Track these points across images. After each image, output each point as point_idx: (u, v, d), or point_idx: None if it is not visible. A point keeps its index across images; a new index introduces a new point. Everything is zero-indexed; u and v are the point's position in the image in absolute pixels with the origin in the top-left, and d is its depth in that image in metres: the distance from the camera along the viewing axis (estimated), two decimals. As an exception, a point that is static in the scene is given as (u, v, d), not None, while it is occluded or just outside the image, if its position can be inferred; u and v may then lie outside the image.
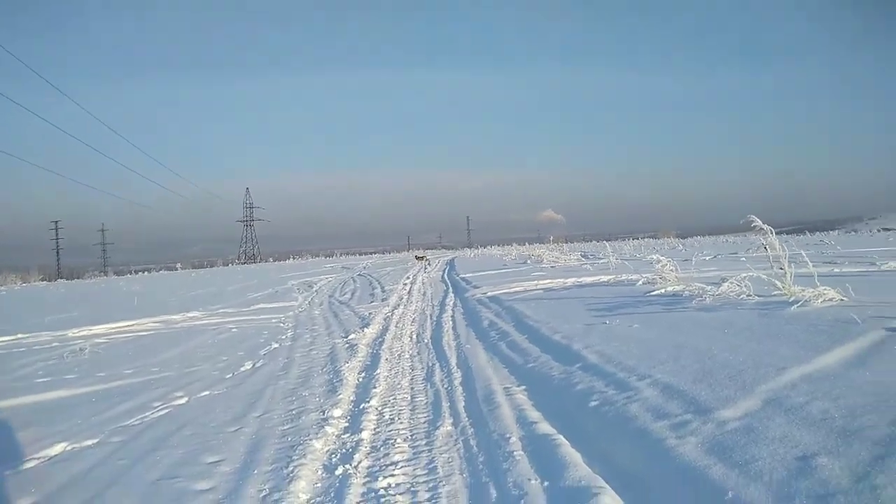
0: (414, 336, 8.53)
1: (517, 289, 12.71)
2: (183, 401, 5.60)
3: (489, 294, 12.32)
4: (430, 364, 6.49)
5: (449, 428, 4.22)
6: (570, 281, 13.02)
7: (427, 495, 3.19)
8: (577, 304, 8.85)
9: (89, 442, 4.45)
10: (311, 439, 4.15)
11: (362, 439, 4.13)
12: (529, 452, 3.54)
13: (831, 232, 53.99)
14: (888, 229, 61.71)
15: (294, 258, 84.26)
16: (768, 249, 10.65)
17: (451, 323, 9.38)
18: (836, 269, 11.45)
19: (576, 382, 4.69)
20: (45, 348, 9.47)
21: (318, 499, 3.30)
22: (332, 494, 3.32)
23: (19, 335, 11.26)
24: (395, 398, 5.19)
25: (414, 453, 3.80)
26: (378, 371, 6.18)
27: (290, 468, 3.62)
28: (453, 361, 6.45)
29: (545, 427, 3.91)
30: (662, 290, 8.91)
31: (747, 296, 7.18)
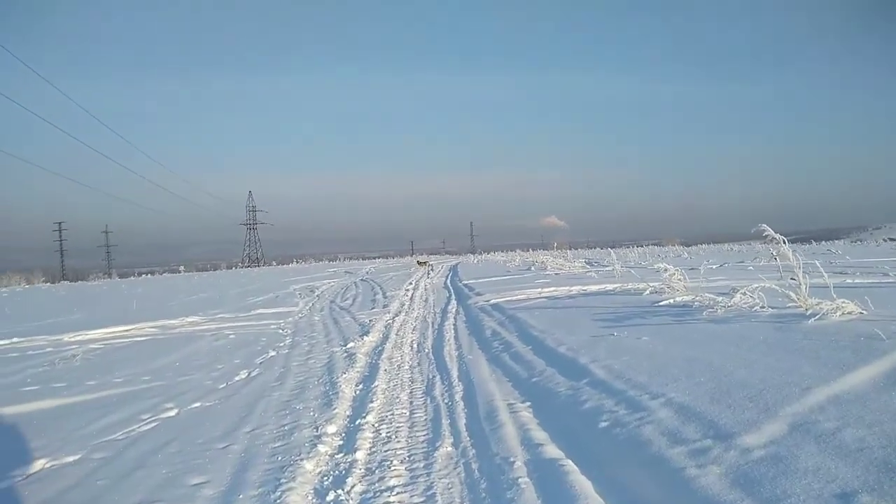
0: (414, 345, 8.28)
1: (521, 296, 12.46)
2: (173, 413, 5.37)
3: (492, 301, 12.07)
4: (431, 376, 6.24)
5: (449, 449, 3.97)
6: (575, 289, 12.75)
7: (424, 526, 2.94)
8: (582, 314, 8.59)
9: (70, 458, 4.22)
10: (302, 459, 3.91)
11: (357, 460, 3.88)
12: (535, 479, 3.28)
13: (837, 241, 53.53)
14: (894, 239, 61.20)
15: (297, 262, 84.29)
16: (778, 259, 10.44)
17: (452, 332, 9.13)
18: (849, 280, 11.18)
19: (583, 400, 4.44)
20: (38, 353, 9.26)
21: (307, 528, 3.05)
22: (321, 523, 3.07)
23: (14, 339, 11.08)
24: (392, 413, 4.93)
25: (411, 477, 3.55)
26: (376, 383, 5.94)
27: (278, 493, 3.37)
28: (454, 373, 6.20)
29: (552, 450, 3.66)
30: (671, 301, 8.65)
31: (761, 307, 6.91)
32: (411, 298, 15.72)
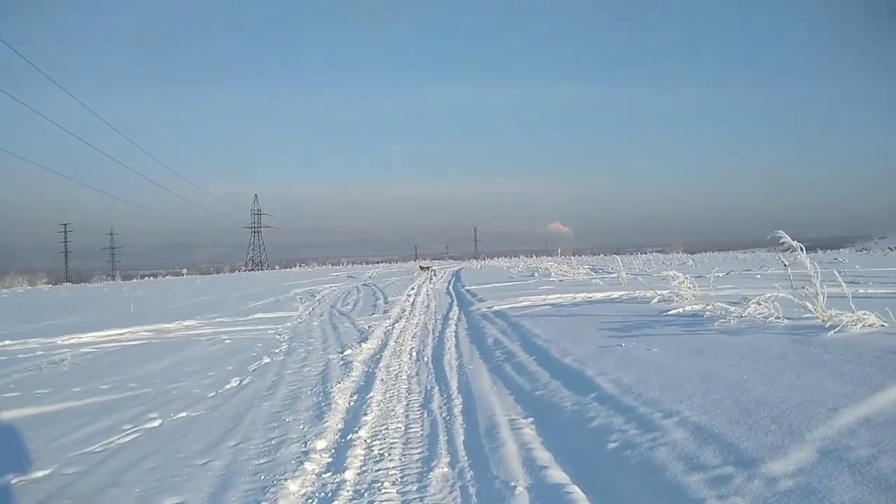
0: (413, 353, 7.99)
1: (524, 303, 12.16)
2: (156, 423, 5.10)
3: (495, 308, 11.77)
4: (429, 387, 5.95)
5: (445, 470, 3.67)
6: (580, 296, 12.45)
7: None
8: (588, 323, 8.29)
9: (40, 473, 3.95)
10: (286, 479, 3.62)
11: (345, 481, 3.59)
12: (538, 508, 2.99)
13: (842, 250, 52.87)
14: (898, 248, 60.46)
15: (300, 266, 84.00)
16: (790, 268, 10.12)
17: (453, 339, 8.84)
18: (862, 290, 10.84)
19: (591, 417, 4.14)
20: (28, 357, 9.00)
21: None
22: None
23: (7, 342, 10.82)
24: (386, 428, 4.64)
25: (403, 502, 3.26)
26: (371, 394, 5.65)
27: (257, 518, 3.09)
28: (454, 385, 5.91)
29: (557, 474, 3.35)
30: (680, 310, 8.34)
31: (776, 318, 6.59)
32: (412, 304, 15.43)
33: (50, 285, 54.29)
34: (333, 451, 4.20)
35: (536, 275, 22.99)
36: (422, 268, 43.09)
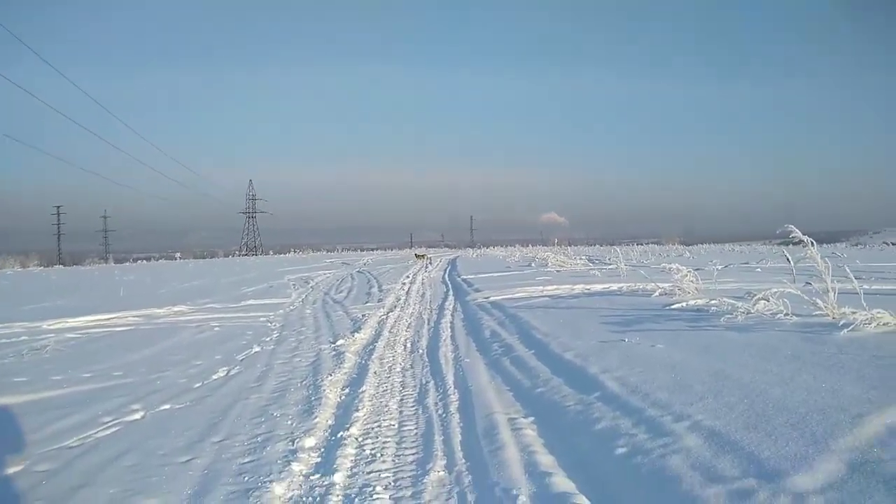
0: (408, 345, 7.74)
1: (521, 294, 11.93)
2: (137, 416, 4.85)
3: (491, 299, 11.54)
4: (424, 381, 5.70)
5: (441, 474, 3.43)
6: (578, 288, 12.21)
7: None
8: (588, 316, 8.06)
9: (9, 471, 3.70)
10: (272, 481, 3.38)
11: (334, 484, 3.35)
12: (543, 520, 2.75)
13: (837, 244, 52.71)
14: (894, 244, 60.41)
15: (295, 252, 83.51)
16: (791, 261, 9.90)
17: (449, 331, 8.59)
18: (867, 286, 10.63)
19: (596, 418, 3.91)
20: (10, 343, 8.73)
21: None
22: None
23: (-9, 325, 10.53)
24: (379, 426, 4.40)
25: (395, 510, 3.03)
26: (364, 388, 5.41)
27: (238, 526, 2.85)
28: (450, 379, 5.67)
29: (562, 482, 3.11)
30: (684, 304, 8.12)
31: (785, 315, 6.37)
32: (407, 293, 15.18)
33: (41, 268, 53.77)
34: (322, 450, 3.96)
35: (533, 265, 22.76)
36: (417, 256, 42.82)
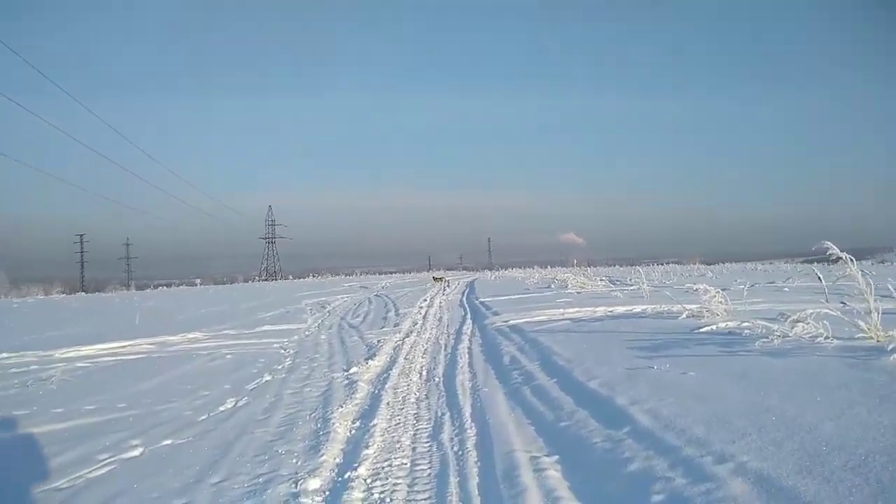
0: (423, 372, 7.41)
1: (541, 317, 11.54)
2: (136, 452, 4.60)
3: (510, 322, 11.17)
4: (440, 414, 5.36)
5: (456, 524, 3.10)
6: (601, 310, 11.80)
7: None
8: (612, 340, 7.67)
9: (-10, 517, 3.44)
10: (269, 531, 3.07)
11: (338, 535, 3.03)
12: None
13: (863, 262, 51.39)
14: (922, 261, 58.71)
15: (314, 276, 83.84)
16: (822, 280, 9.44)
17: (467, 357, 8.25)
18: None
19: (627, 458, 3.54)
20: (19, 372, 8.57)
21: None
22: None
23: (4, 354, 10.41)
24: (390, 465, 4.06)
25: (404, 568, 2.69)
26: (375, 421, 5.08)
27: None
28: (467, 411, 5.33)
29: (592, 536, 2.76)
30: (713, 327, 7.69)
31: (825, 338, 5.94)
32: (424, 317, 14.86)
33: (64, 294, 54.42)
34: (327, 493, 3.64)
35: (553, 286, 22.34)
36: (435, 278, 42.57)
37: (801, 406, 3.86)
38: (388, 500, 3.46)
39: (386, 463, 4.11)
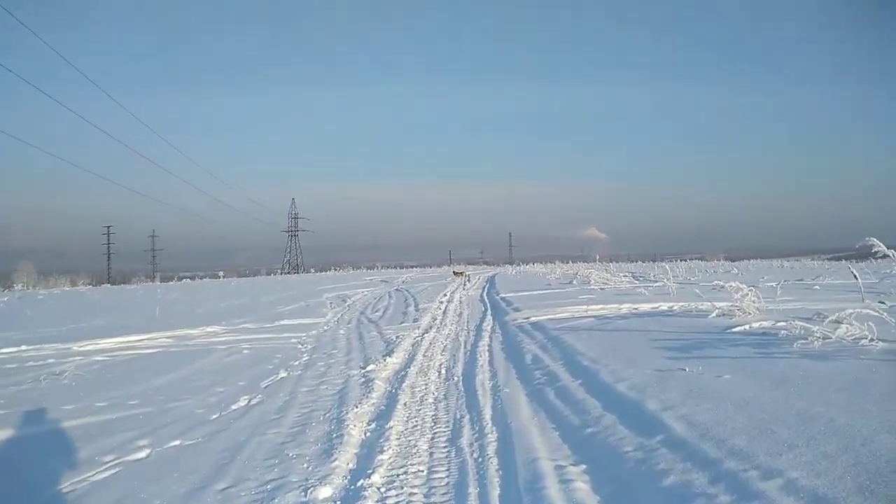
0: (442, 370, 7.17)
1: (564, 314, 11.23)
2: (142, 454, 4.43)
3: (532, 319, 10.88)
4: (459, 416, 5.11)
5: (475, 542, 2.85)
6: (625, 307, 11.46)
7: None
8: (639, 340, 7.35)
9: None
10: (274, 546, 2.86)
11: (347, 552, 2.80)
12: None
13: (882, 260, 49.99)
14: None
15: (336, 270, 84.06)
16: (858, 278, 9.01)
17: (487, 355, 7.99)
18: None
19: (661, 470, 3.26)
20: (36, 366, 8.50)
21: None
22: None
23: (23, 347, 10.40)
24: (406, 472, 3.83)
25: None
26: (391, 423, 4.85)
27: None
28: (487, 413, 5.07)
29: (626, 561, 2.50)
30: (746, 327, 7.33)
31: (869, 340, 5.57)
32: (444, 312, 14.63)
33: (89, 286, 55.22)
34: (338, 503, 3.42)
35: (575, 282, 21.95)
36: (455, 273, 42.27)
37: (850, 415, 3.55)
38: (402, 512, 3.23)
39: (401, 470, 3.87)
